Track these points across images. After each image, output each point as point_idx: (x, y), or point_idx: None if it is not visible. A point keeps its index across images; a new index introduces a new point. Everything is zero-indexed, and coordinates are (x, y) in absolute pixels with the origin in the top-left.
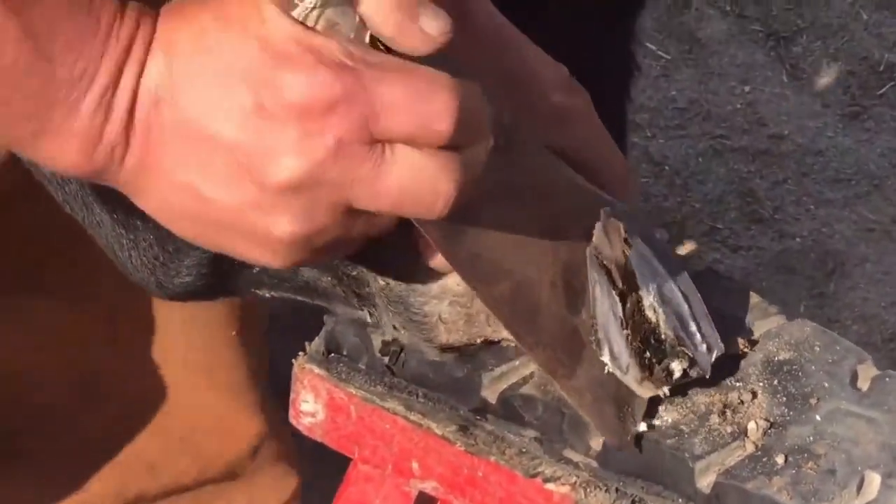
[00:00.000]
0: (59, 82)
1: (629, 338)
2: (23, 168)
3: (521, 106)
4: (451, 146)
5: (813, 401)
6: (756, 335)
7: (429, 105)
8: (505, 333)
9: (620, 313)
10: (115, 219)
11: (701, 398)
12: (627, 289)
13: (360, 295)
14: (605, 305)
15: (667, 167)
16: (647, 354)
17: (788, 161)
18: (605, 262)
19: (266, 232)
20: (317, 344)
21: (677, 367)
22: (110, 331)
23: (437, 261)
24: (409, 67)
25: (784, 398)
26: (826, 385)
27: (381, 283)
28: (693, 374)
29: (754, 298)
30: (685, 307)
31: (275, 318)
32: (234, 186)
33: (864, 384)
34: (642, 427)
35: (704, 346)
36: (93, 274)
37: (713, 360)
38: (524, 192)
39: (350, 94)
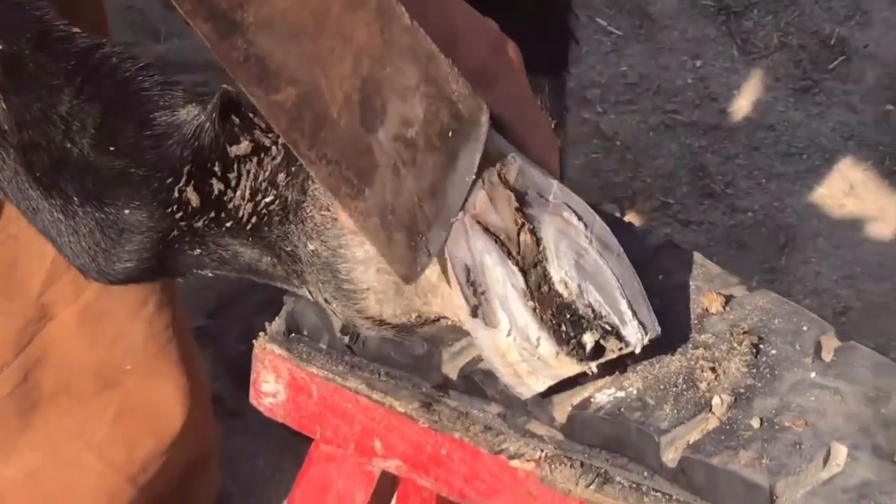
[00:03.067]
0: None
1: (536, 310)
2: None
3: None
4: None
5: (778, 371)
6: (718, 305)
7: None
8: (437, 308)
9: (522, 285)
10: (52, 204)
11: (666, 368)
12: (527, 261)
13: (297, 272)
14: (497, 274)
15: (618, 142)
16: (564, 328)
17: (739, 135)
18: (492, 230)
19: None
20: (277, 324)
21: (589, 340)
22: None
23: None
24: None
25: (749, 369)
26: (790, 356)
27: (311, 248)
28: (612, 346)
29: (715, 269)
30: (614, 284)
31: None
32: None
33: (827, 355)
34: (606, 397)
35: (636, 324)
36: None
37: (646, 340)
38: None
39: None
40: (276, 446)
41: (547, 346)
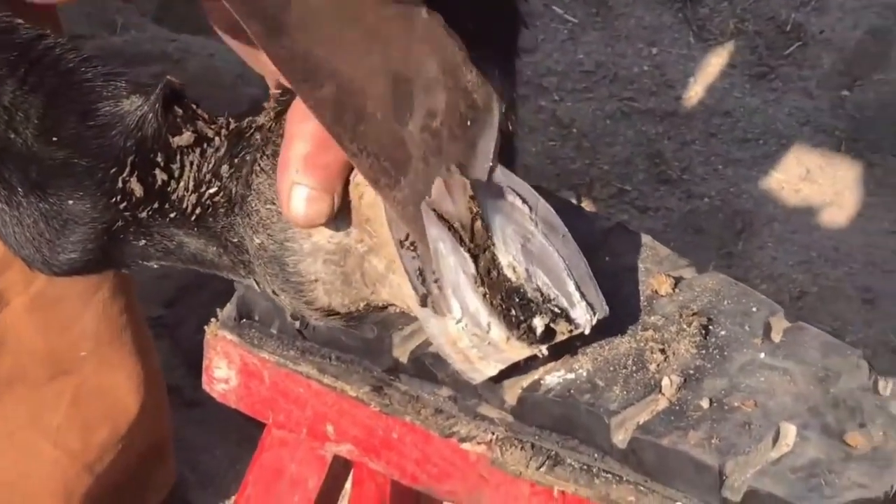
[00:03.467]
0: None
1: (486, 295)
2: None
3: None
4: None
5: (727, 352)
6: (667, 287)
7: None
8: (386, 296)
9: (473, 271)
10: None
11: (616, 349)
12: (478, 247)
13: (243, 262)
14: (451, 262)
15: (574, 130)
16: (513, 312)
17: (696, 122)
18: (446, 218)
19: None
20: (228, 310)
21: (539, 324)
22: None
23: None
24: None
25: (698, 350)
26: (740, 337)
27: (257, 241)
28: (562, 329)
29: (664, 251)
30: (561, 266)
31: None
32: None
33: (776, 336)
34: (556, 380)
35: (584, 305)
36: None
37: (594, 321)
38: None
39: None
40: (234, 436)
41: (497, 331)
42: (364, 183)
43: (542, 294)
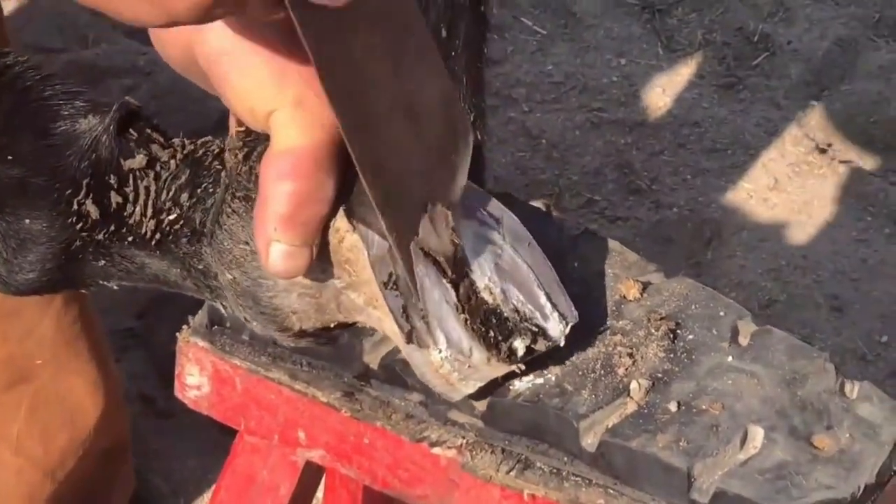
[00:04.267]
0: None
1: (467, 321)
2: None
3: None
4: None
5: (695, 356)
6: (635, 292)
7: None
8: (358, 317)
9: (454, 299)
10: None
11: (584, 354)
12: (458, 275)
13: (209, 287)
14: (435, 295)
15: (544, 141)
16: (492, 333)
17: (664, 132)
18: (431, 254)
19: None
20: (200, 317)
21: (520, 346)
22: None
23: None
24: None
25: (666, 354)
26: (707, 340)
27: (229, 276)
28: (541, 347)
29: (632, 257)
30: (531, 277)
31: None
32: None
33: (744, 339)
34: (525, 384)
35: (556, 316)
36: None
37: (567, 330)
38: (381, 27)
39: None
40: (208, 446)
41: (478, 354)
42: (345, 228)
43: (518, 313)
